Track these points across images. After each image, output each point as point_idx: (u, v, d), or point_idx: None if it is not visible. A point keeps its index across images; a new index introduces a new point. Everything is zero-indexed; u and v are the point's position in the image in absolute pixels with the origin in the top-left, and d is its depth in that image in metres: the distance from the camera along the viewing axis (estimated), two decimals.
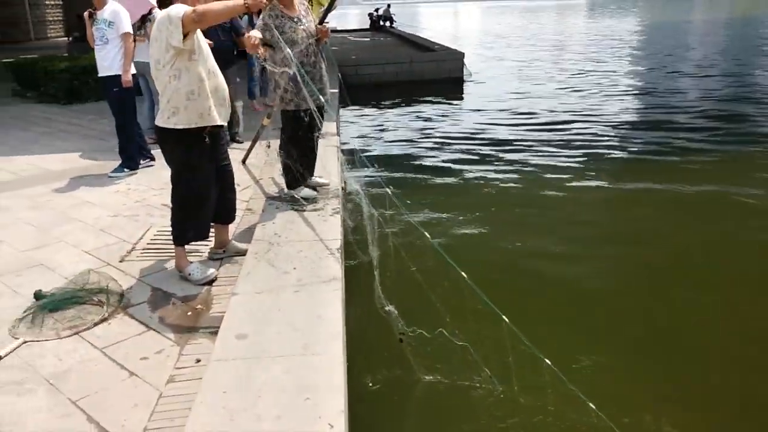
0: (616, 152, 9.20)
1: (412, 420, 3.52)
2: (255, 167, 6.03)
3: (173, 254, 3.80)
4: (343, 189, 4.85)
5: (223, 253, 4.05)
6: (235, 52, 7.45)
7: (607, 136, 10.22)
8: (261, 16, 4.37)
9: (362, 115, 12.90)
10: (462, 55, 17.06)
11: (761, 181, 7.48)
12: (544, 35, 35.17)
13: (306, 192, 4.73)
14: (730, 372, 3.92)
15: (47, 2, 28.97)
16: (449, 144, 9.94)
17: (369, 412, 3.47)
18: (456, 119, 12.13)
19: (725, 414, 3.58)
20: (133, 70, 5.93)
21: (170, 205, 3.78)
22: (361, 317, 3.81)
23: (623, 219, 6.51)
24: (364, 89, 14.89)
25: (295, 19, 4.40)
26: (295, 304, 3.16)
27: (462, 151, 9.41)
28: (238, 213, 4.25)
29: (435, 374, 3.68)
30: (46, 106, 9.98)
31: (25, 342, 3.07)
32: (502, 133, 10.52)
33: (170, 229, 3.78)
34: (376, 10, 32.60)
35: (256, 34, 4.09)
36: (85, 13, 5.91)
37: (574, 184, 7.56)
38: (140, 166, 6.07)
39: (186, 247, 3.78)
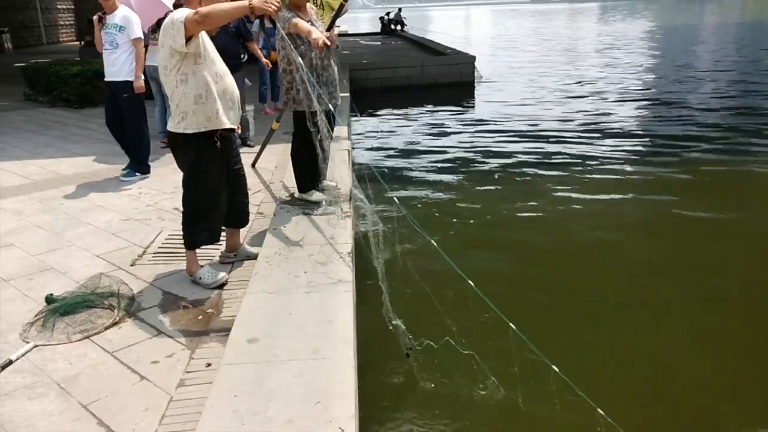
0: (632, 162, 8.78)
1: (420, 425, 3.48)
2: (266, 171, 6.04)
3: (184, 258, 3.80)
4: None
5: (234, 257, 4.05)
6: (245, 58, 7.47)
7: (624, 145, 9.73)
8: (280, 13, 4.31)
9: (373, 121, 12.85)
10: (473, 58, 17.03)
11: None
12: (557, 39, 35.01)
13: (317, 196, 4.73)
14: (746, 379, 3.85)
15: (59, 6, 29.34)
16: (456, 152, 9.78)
17: (379, 417, 3.44)
18: (467, 125, 11.97)
19: (744, 424, 3.51)
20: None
21: (181, 209, 3.79)
22: (370, 322, 3.78)
23: (640, 232, 6.33)
24: (375, 92, 14.92)
25: (309, 22, 4.42)
26: (306, 308, 3.15)
27: (469, 161, 9.16)
28: (249, 217, 4.24)
29: (442, 381, 3.64)
30: (58, 110, 10.07)
31: (36, 346, 3.08)
32: (513, 142, 10.25)
33: (181, 232, 3.78)
34: (387, 13, 32.60)
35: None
36: (95, 17, 5.89)
37: (593, 196, 7.26)
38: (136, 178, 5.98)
39: (197, 250, 3.78)
